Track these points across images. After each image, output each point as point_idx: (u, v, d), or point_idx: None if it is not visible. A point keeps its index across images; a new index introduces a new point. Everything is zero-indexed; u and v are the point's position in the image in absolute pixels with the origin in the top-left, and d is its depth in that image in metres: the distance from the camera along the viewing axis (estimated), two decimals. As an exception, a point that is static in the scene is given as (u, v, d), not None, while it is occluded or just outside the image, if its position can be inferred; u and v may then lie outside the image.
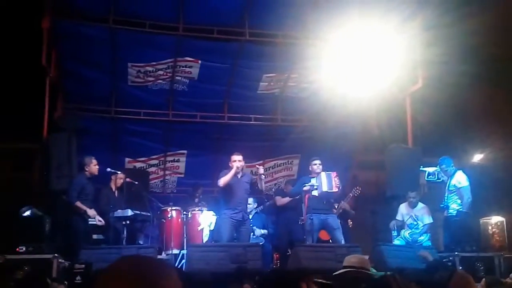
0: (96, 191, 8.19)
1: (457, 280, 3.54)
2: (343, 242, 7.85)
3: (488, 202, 10.16)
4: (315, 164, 8.28)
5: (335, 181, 8.08)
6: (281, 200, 9.33)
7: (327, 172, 8.17)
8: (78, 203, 7.63)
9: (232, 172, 7.59)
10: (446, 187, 8.38)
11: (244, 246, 7.13)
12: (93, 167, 7.99)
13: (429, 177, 8.41)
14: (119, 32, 8.57)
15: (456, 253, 7.40)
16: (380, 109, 9.26)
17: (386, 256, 6.83)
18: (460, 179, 8.24)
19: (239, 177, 7.71)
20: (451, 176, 8.35)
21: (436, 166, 8.37)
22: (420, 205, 8.81)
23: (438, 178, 8.45)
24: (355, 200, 9.46)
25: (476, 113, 10.83)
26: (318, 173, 8.19)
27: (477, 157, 11.97)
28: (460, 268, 7.09)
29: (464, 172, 8.40)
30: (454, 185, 8.25)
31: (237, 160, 7.68)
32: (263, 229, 9.06)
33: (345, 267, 4.09)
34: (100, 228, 7.81)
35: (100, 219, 7.72)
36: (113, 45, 8.76)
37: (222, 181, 7.61)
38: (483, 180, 11.12)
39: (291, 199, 9.06)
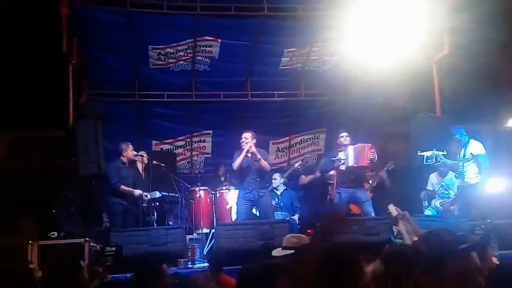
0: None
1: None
2: (373, 214, 7.79)
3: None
4: (342, 137, 8.22)
5: (368, 154, 7.97)
6: (304, 180, 9.30)
7: (355, 146, 8.09)
8: (123, 187, 7.92)
9: (243, 154, 7.61)
10: (461, 156, 8.26)
11: (271, 223, 7.16)
12: (130, 152, 8.26)
13: (427, 161, 8.33)
14: (137, 15, 8.54)
15: (488, 220, 7.26)
16: (404, 78, 9.02)
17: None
18: (477, 147, 8.15)
19: (249, 156, 7.69)
20: (465, 145, 8.24)
21: (432, 150, 8.25)
22: (451, 173, 8.68)
23: (437, 161, 8.39)
24: (388, 173, 9.39)
25: (507, 79, 10.49)
26: (346, 146, 8.12)
27: (511, 122, 11.65)
28: (493, 235, 6.95)
29: (477, 140, 8.30)
30: (471, 153, 8.15)
31: (248, 138, 7.68)
32: (290, 205, 9.04)
33: (285, 247, 4.18)
34: (137, 210, 7.97)
35: (147, 194, 7.94)
36: (132, 28, 8.73)
37: (236, 164, 7.70)
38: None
39: (313, 177, 9.00)
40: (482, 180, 8.05)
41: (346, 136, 8.21)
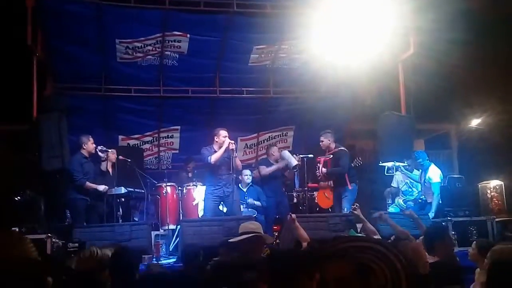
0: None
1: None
2: (345, 210, 7.86)
3: (486, 166, 10.14)
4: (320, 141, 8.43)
5: (317, 171, 8.39)
6: (265, 170, 9.26)
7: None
8: (88, 183, 7.78)
9: (223, 148, 7.62)
10: (422, 181, 8.52)
11: (237, 219, 7.14)
12: (91, 145, 8.08)
13: (388, 172, 8.58)
14: (105, 8, 8.44)
15: (448, 218, 7.43)
16: (372, 77, 9.13)
17: (379, 224, 6.83)
18: (432, 174, 8.42)
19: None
20: (426, 170, 8.52)
21: (393, 161, 8.49)
22: (416, 172, 8.84)
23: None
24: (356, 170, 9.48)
25: (472, 78, 10.70)
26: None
27: (475, 122, 11.92)
28: (453, 233, 7.14)
29: (436, 165, 8.59)
30: (429, 180, 8.45)
31: (227, 136, 7.70)
32: (257, 201, 9.04)
33: (242, 233, 4.36)
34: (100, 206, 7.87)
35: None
36: (100, 21, 8.63)
37: (214, 158, 7.65)
38: (482, 144, 11.10)
39: (274, 169, 9.01)
40: (433, 205, 8.26)
41: (321, 139, 8.39)
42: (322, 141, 8.34)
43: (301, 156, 8.67)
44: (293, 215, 5.82)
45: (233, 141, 7.75)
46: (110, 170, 8.37)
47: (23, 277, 1.12)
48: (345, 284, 1.18)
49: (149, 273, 3.77)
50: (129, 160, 8.44)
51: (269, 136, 11.17)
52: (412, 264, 1.74)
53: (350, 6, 8.04)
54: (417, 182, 8.74)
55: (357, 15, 8.08)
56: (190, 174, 9.59)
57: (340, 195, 8.16)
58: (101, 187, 7.83)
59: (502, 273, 2.41)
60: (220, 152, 7.67)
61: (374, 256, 1.24)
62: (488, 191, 9.02)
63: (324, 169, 8.26)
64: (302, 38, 9.00)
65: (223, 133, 7.78)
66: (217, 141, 7.78)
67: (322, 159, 8.34)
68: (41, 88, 8.42)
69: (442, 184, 8.41)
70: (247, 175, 9.16)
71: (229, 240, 4.73)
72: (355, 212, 6.43)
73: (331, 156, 8.30)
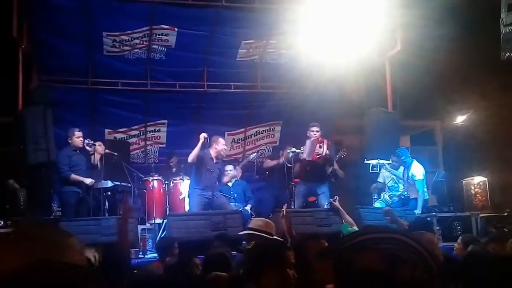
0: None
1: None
2: (325, 206, 7.93)
3: (471, 162, 10.26)
4: (312, 131, 8.35)
5: (315, 149, 8.13)
6: (268, 162, 9.35)
7: (312, 139, 8.24)
8: (74, 176, 7.71)
9: (198, 145, 7.69)
10: (405, 178, 8.56)
11: (224, 214, 7.19)
12: (75, 139, 8.02)
13: (373, 169, 8.66)
14: (92, 0, 8.37)
15: (433, 213, 7.51)
16: (359, 74, 9.18)
17: (364, 219, 6.91)
18: (415, 171, 8.48)
19: (214, 161, 7.97)
20: (408, 167, 8.58)
21: (377, 158, 8.55)
22: (402, 168, 8.91)
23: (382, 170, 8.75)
24: (341, 163, 9.54)
25: (457, 75, 10.79)
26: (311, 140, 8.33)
27: (460, 119, 12.04)
28: (438, 228, 7.23)
29: (419, 162, 8.65)
30: (412, 177, 8.52)
31: (225, 145, 8.21)
32: (243, 196, 9.08)
33: (250, 229, 4.42)
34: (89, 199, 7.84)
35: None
36: (87, 14, 8.55)
37: (190, 158, 7.80)
38: (466, 141, 11.22)
39: (277, 163, 9.09)
40: (419, 202, 8.31)
41: (316, 131, 8.36)
42: (318, 131, 8.35)
43: (287, 151, 8.70)
44: (284, 211, 5.87)
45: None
46: (98, 163, 8.33)
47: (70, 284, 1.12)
48: (375, 276, 1.18)
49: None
50: (116, 153, 8.41)
51: (257, 131, 11.19)
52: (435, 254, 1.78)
53: (338, 2, 8.06)
54: (401, 179, 8.80)
55: (345, 11, 8.09)
56: (174, 170, 9.57)
57: (316, 191, 8.20)
58: (88, 180, 7.79)
59: (474, 265, 2.47)
60: (195, 151, 7.76)
61: (402, 247, 1.25)
62: (472, 187, 9.14)
63: (327, 151, 8.20)
64: (290, 33, 8.99)
65: (222, 141, 8.14)
66: (216, 149, 7.98)
67: (326, 140, 8.29)
68: (26, 81, 8.34)
69: (436, 179, 8.48)
70: (231, 170, 9.21)
71: (239, 233, 4.82)
72: (334, 203, 6.58)
73: None
